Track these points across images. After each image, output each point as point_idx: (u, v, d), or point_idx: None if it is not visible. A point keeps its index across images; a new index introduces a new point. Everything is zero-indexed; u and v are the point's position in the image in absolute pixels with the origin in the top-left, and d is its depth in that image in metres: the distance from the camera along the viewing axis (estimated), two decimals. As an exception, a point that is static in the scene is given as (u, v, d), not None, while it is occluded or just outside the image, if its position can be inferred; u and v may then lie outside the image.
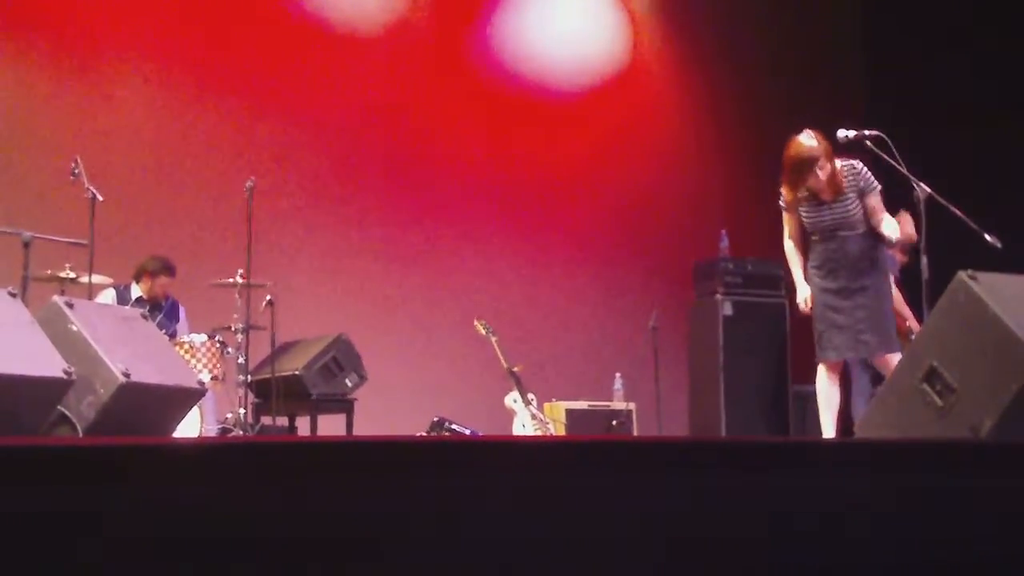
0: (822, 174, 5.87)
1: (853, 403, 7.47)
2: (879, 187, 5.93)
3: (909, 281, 7.46)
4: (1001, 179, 8.95)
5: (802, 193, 5.97)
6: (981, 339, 3.92)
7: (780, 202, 6.11)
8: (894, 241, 5.98)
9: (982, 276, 4.07)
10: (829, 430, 5.94)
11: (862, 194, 5.90)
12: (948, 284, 4.13)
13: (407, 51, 9.65)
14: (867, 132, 5.82)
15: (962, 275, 4.07)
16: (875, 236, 5.91)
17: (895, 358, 5.86)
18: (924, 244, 5.52)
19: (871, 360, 6.29)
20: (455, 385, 9.06)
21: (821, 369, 6.04)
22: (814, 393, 6.16)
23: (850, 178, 5.90)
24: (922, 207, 5.53)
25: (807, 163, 5.85)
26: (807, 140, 5.89)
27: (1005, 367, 3.82)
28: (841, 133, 5.85)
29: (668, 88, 10.87)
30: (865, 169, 5.95)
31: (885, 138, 5.73)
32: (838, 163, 5.91)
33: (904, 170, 5.60)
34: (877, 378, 7.63)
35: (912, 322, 7.71)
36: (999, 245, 5.46)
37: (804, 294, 6.09)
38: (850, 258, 5.94)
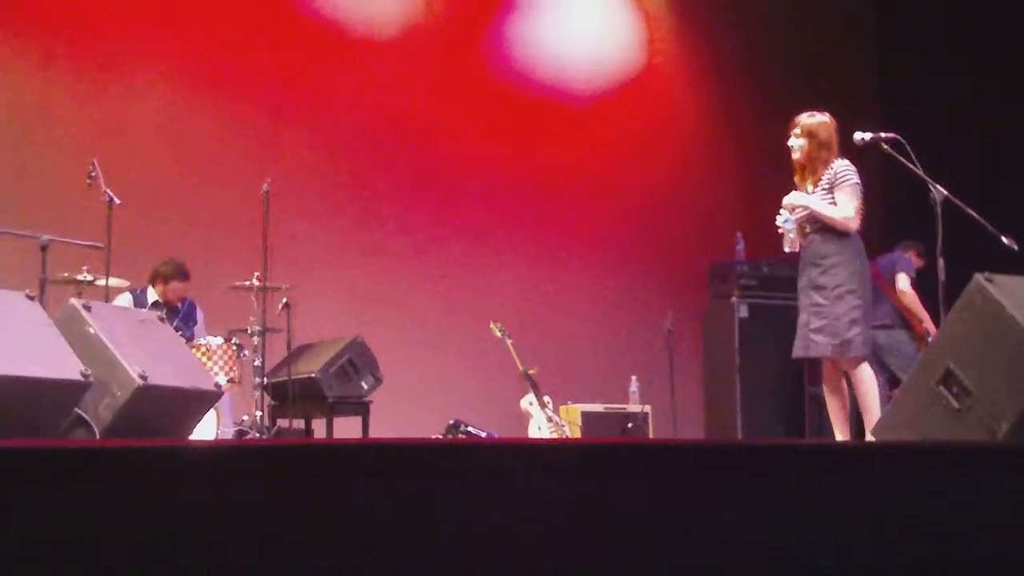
0: (799, 152, 5.92)
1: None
2: (851, 181, 5.82)
3: (926, 283, 7.44)
4: (1018, 179, 8.90)
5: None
6: (998, 341, 3.91)
7: None
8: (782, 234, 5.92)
9: (999, 278, 4.05)
10: (839, 434, 5.90)
11: (833, 188, 5.84)
12: (965, 286, 4.12)
13: (423, 54, 9.66)
14: (883, 134, 5.80)
15: (979, 277, 4.06)
16: (848, 237, 5.84)
17: (855, 367, 5.80)
18: (940, 246, 5.50)
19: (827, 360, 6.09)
20: (471, 387, 9.06)
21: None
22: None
23: (828, 173, 5.87)
24: (938, 209, 5.51)
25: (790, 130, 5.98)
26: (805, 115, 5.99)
27: (1022, 370, 3.81)
28: (858, 135, 5.83)
29: (683, 90, 10.86)
30: (846, 166, 5.86)
31: (901, 140, 5.71)
32: (838, 161, 5.89)
33: (920, 172, 5.58)
34: (893, 380, 7.61)
35: (929, 324, 7.69)
36: (1016, 247, 5.44)
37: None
38: (812, 255, 5.88)
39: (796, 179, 6.02)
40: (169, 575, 2.02)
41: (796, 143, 5.94)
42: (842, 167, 5.85)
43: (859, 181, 5.85)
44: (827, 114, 5.99)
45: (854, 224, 5.83)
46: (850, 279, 5.79)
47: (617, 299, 10.14)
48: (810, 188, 5.92)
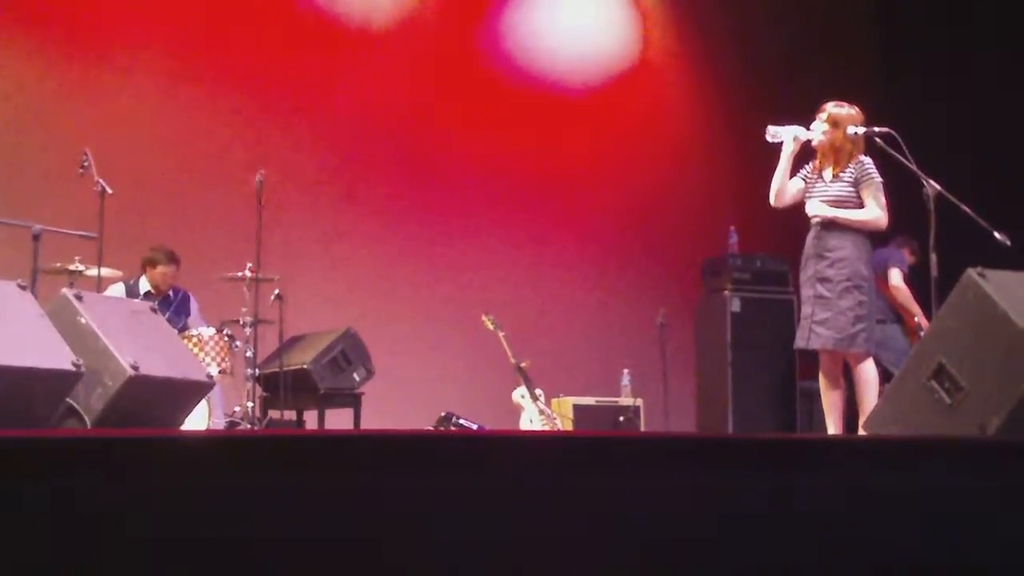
0: (822, 136, 5.89)
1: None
2: (878, 180, 5.83)
3: (918, 278, 7.44)
4: (1014, 175, 8.89)
5: (807, 169, 5.98)
6: (990, 337, 3.92)
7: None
8: (812, 216, 5.91)
9: (991, 274, 4.06)
10: (831, 428, 5.90)
11: (857, 185, 5.85)
12: (957, 282, 4.12)
13: (418, 47, 9.65)
14: (876, 128, 5.81)
15: (971, 273, 4.07)
16: (856, 232, 5.85)
17: (860, 362, 5.81)
18: (933, 242, 5.50)
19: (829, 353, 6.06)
20: (463, 380, 9.06)
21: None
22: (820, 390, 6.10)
23: (852, 168, 5.87)
24: (931, 204, 5.51)
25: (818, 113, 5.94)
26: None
27: (1014, 365, 3.82)
28: (851, 130, 5.84)
29: (678, 83, 10.85)
30: (872, 164, 5.87)
31: (895, 135, 5.72)
32: (864, 158, 5.89)
33: (914, 167, 5.59)
34: (886, 375, 7.61)
35: (921, 319, 7.71)
36: (1008, 243, 5.45)
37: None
38: (820, 248, 5.86)
39: (815, 163, 6.01)
40: (161, 565, 2.02)
41: (820, 127, 5.92)
42: (869, 163, 5.86)
43: (881, 180, 5.87)
44: (856, 108, 5.97)
45: (885, 221, 5.88)
46: (856, 275, 5.81)
47: (610, 292, 10.14)
48: (829, 177, 5.92)
